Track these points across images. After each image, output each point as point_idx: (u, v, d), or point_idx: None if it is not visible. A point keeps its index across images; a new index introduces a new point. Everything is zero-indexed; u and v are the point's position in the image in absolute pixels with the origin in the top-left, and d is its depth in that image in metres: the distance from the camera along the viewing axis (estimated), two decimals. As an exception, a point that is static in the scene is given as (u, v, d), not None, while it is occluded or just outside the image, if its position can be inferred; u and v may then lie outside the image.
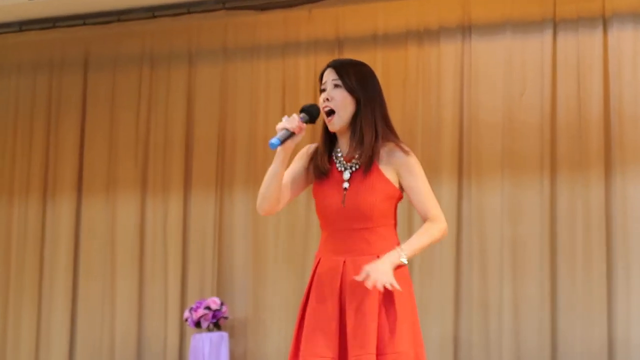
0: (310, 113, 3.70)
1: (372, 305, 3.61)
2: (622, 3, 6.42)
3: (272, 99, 7.28)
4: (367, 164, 3.68)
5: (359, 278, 3.52)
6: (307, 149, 3.86)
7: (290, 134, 3.62)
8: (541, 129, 6.54)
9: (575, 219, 6.43)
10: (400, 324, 3.62)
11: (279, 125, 3.62)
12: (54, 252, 7.81)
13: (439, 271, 6.68)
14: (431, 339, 6.59)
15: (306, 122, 3.68)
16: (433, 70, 6.85)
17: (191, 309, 7.08)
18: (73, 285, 7.75)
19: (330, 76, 3.75)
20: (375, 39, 7.04)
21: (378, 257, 3.64)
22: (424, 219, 3.74)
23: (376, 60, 6.90)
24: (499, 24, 6.72)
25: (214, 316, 7.01)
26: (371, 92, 3.75)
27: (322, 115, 3.73)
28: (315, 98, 7.25)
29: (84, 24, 7.75)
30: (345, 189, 3.70)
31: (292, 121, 3.62)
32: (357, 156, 3.71)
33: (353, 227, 3.68)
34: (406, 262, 3.64)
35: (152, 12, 7.54)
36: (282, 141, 3.60)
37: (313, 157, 3.80)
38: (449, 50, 6.84)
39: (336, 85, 3.72)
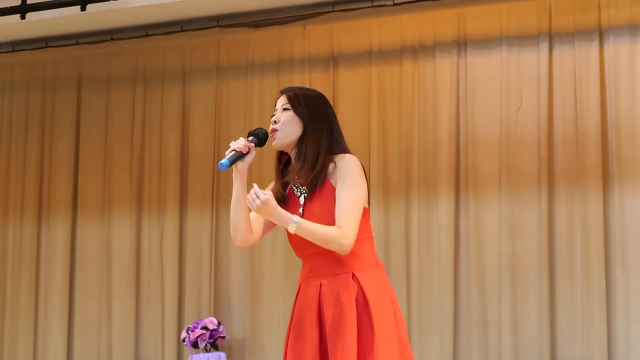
0: (257, 135, 3.79)
1: (351, 324, 3.62)
2: (618, 16, 6.40)
3: (266, 116, 7.13)
4: (316, 183, 3.73)
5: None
6: (270, 186, 3.91)
7: (239, 155, 3.70)
8: (538, 144, 6.51)
9: (574, 233, 6.40)
10: (380, 336, 3.61)
11: (228, 150, 3.70)
12: (49, 273, 7.78)
13: (438, 287, 6.65)
14: (430, 355, 6.57)
15: (255, 144, 3.77)
16: (429, 86, 6.83)
17: (188, 329, 7.04)
18: (69, 306, 7.72)
19: (280, 103, 3.86)
20: (370, 55, 7.01)
21: (353, 275, 3.67)
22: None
23: (371, 76, 6.88)
24: (495, 38, 6.70)
25: (211, 336, 6.97)
26: (319, 115, 3.82)
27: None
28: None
29: (77, 43, 7.77)
30: (301, 214, 3.74)
31: (238, 142, 3.71)
32: (305, 177, 3.75)
33: (320, 250, 3.69)
34: (293, 229, 3.61)
35: (145, 31, 7.56)
36: (232, 161, 3.69)
37: (273, 192, 3.84)
38: (444, 65, 6.82)
39: (285, 109, 3.82)
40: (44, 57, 7.92)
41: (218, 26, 7.39)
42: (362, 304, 3.64)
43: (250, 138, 3.77)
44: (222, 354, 7.03)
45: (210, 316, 7.17)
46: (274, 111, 3.86)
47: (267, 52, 7.34)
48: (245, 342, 7.19)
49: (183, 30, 7.48)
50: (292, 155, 3.83)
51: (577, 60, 6.48)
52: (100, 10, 6.96)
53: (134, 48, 7.69)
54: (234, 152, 3.70)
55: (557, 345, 6.37)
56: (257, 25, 7.34)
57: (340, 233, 3.61)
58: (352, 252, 3.67)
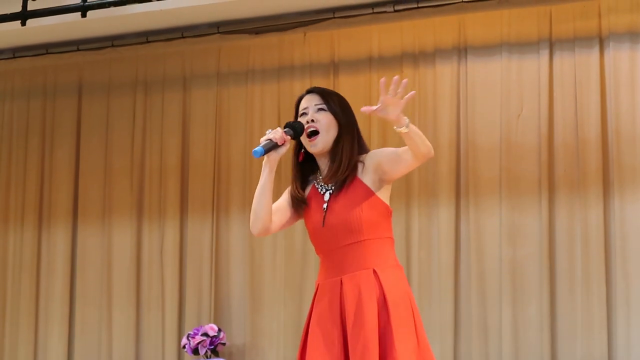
0: (294, 128, 3.78)
1: (372, 320, 3.62)
2: (619, 22, 6.40)
3: (267, 123, 7.23)
4: (344, 182, 3.75)
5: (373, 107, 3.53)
6: (289, 188, 3.94)
7: (274, 145, 3.69)
8: (539, 150, 6.50)
9: (574, 240, 6.39)
10: (398, 335, 3.62)
11: (263, 138, 3.69)
12: (50, 279, 7.77)
13: (438, 294, 6.64)
14: (431, 362, 6.55)
15: (290, 137, 3.75)
16: (429, 92, 6.82)
17: (189, 335, 7.02)
18: (70, 312, 7.71)
19: (312, 101, 3.85)
20: (371, 61, 7.01)
21: (374, 271, 3.67)
22: (406, 151, 3.72)
23: (372, 83, 6.88)
24: (495, 44, 6.70)
25: (211, 343, 6.96)
26: (351, 117, 3.87)
27: (299, 141, 3.85)
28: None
29: (77, 49, 7.76)
30: (325, 209, 3.75)
31: (275, 132, 3.70)
32: (336, 177, 3.78)
33: (342, 244, 3.71)
34: (406, 128, 3.59)
35: (145, 37, 7.56)
36: (266, 150, 3.67)
37: (290, 191, 3.89)
38: (444, 71, 6.81)
39: (320, 109, 3.82)
40: (44, 64, 7.92)
41: (218, 33, 7.39)
42: (382, 302, 3.65)
43: (287, 130, 3.75)
44: (223, 361, 7.03)
45: (210, 323, 7.17)
46: (303, 109, 3.85)
47: (267, 58, 7.33)
48: (246, 348, 7.18)
49: (183, 37, 7.48)
50: (322, 155, 3.84)
51: (577, 66, 6.47)
52: (101, 16, 6.95)
53: (135, 54, 7.68)
54: (269, 141, 3.68)
55: (557, 352, 6.35)
56: (257, 31, 7.34)
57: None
58: (374, 249, 3.71)
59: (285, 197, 3.91)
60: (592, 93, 6.41)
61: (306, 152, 3.90)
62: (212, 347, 6.96)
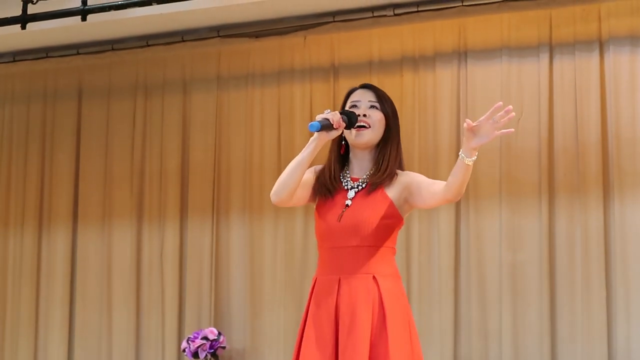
0: (350, 117, 3.77)
1: (365, 324, 3.62)
2: (619, 26, 6.39)
3: (267, 126, 7.26)
4: (375, 185, 3.74)
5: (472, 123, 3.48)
6: (314, 169, 3.92)
7: (329, 125, 3.67)
8: (539, 154, 6.49)
9: (574, 243, 6.38)
10: (394, 342, 3.61)
11: (320, 115, 3.68)
12: (50, 283, 7.77)
13: (438, 298, 6.64)
14: (431, 366, 6.56)
15: (344, 124, 3.75)
16: (429, 96, 6.82)
17: (188, 339, 7.02)
18: (70, 316, 7.71)
19: (366, 96, 3.86)
20: (371, 65, 7.01)
21: (374, 277, 3.67)
22: (440, 189, 3.68)
23: (372, 87, 6.86)
24: (495, 48, 6.69)
25: (211, 346, 6.95)
26: (397, 126, 3.92)
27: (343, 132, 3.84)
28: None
29: (77, 53, 7.77)
30: (347, 206, 3.75)
31: (334, 115, 3.69)
32: (365, 177, 3.80)
33: (349, 245, 3.71)
34: (471, 162, 3.54)
35: (145, 41, 7.56)
36: (322, 127, 3.64)
37: (319, 177, 3.87)
38: (444, 75, 6.81)
39: (372, 106, 3.84)
40: (44, 68, 7.92)
41: (219, 36, 7.39)
42: (379, 308, 3.65)
43: (343, 117, 3.74)
44: (223, 365, 7.02)
45: (210, 326, 7.16)
46: (354, 101, 3.86)
47: (267, 62, 7.33)
48: (246, 352, 7.18)
49: (183, 41, 7.48)
50: (362, 153, 3.85)
51: (577, 70, 6.46)
52: (101, 20, 6.95)
53: (135, 58, 7.68)
54: (327, 120, 3.67)
55: (557, 356, 6.35)
56: (257, 35, 7.33)
57: None
58: (378, 256, 3.72)
59: (308, 176, 3.89)
60: (592, 97, 6.40)
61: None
62: (212, 350, 6.95)
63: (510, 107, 3.47)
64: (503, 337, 6.43)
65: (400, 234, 6.61)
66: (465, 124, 3.47)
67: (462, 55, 6.79)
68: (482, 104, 6.64)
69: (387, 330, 3.62)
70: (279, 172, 7.14)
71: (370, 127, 3.81)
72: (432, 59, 6.87)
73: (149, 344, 7.45)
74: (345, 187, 3.82)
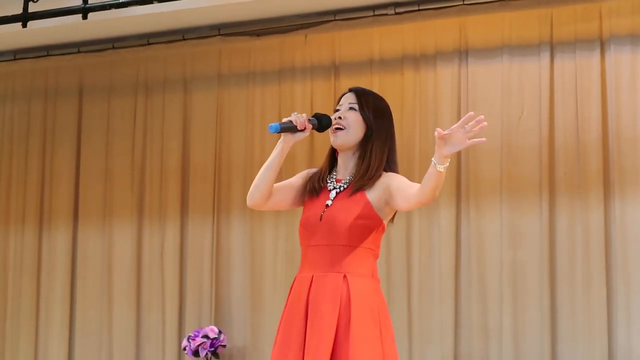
0: (320, 120, 3.79)
1: (330, 323, 3.64)
2: (620, 25, 6.39)
3: (268, 125, 7.21)
4: (357, 188, 3.76)
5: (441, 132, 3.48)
6: (307, 172, 3.97)
7: (292, 127, 3.71)
8: (539, 152, 6.49)
9: (575, 242, 6.37)
10: (357, 342, 3.61)
11: (285, 117, 3.73)
12: (50, 281, 7.78)
13: (438, 296, 6.63)
14: (431, 364, 6.57)
15: (313, 126, 3.77)
16: (430, 95, 6.81)
17: (189, 337, 7.02)
18: (70, 314, 7.71)
19: (348, 99, 3.88)
20: (372, 64, 7.01)
21: (345, 276, 3.69)
22: (413, 192, 3.67)
23: (372, 85, 6.86)
24: (496, 47, 6.69)
25: (212, 345, 6.95)
26: (384, 126, 3.88)
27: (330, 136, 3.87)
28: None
29: (79, 51, 7.77)
30: (327, 205, 3.77)
31: (299, 117, 3.73)
32: (348, 178, 3.82)
33: (327, 243, 3.73)
34: (444, 169, 3.53)
35: (146, 39, 7.56)
36: (282, 129, 3.68)
37: (310, 180, 3.90)
38: (445, 74, 6.80)
39: (351, 108, 3.84)
40: (45, 66, 7.92)
41: (219, 35, 7.39)
42: (346, 307, 3.66)
43: (312, 119, 3.77)
44: (223, 363, 7.02)
45: (211, 324, 7.15)
46: (338, 105, 3.89)
47: (268, 60, 7.33)
48: (246, 350, 7.18)
49: (184, 39, 7.48)
50: (346, 154, 3.86)
51: (578, 69, 6.46)
52: (102, 18, 6.96)
53: (136, 56, 7.68)
54: (289, 122, 3.70)
55: (557, 355, 6.34)
56: (258, 34, 7.34)
57: None
58: (355, 256, 3.73)
59: (294, 180, 3.95)
60: (593, 96, 6.39)
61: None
62: (213, 349, 6.95)
63: (482, 117, 3.46)
64: (504, 336, 6.43)
65: (400, 233, 6.71)
66: (436, 133, 3.47)
67: (463, 54, 6.79)
68: (483, 102, 6.66)
69: (350, 330, 3.62)
70: (280, 170, 7.20)
71: (345, 128, 3.82)
72: (433, 58, 6.86)
73: (149, 342, 7.45)
74: (329, 187, 3.84)
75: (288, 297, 3.85)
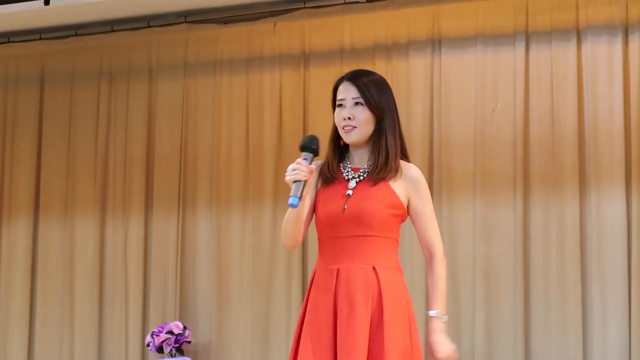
0: (312, 149, 3.69)
1: (364, 316, 3.61)
2: (597, 15, 6.36)
3: (235, 115, 7.22)
4: (380, 178, 3.73)
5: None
6: (316, 164, 3.86)
7: (304, 182, 3.61)
8: (514, 145, 6.45)
9: (550, 237, 6.34)
10: (390, 336, 3.60)
11: (289, 178, 3.61)
12: (10, 275, 7.69)
13: (410, 292, 6.52)
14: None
15: (312, 159, 3.69)
16: (402, 85, 6.75)
17: (153, 333, 6.94)
18: (30, 309, 7.63)
19: (350, 93, 3.78)
20: (342, 53, 6.94)
21: (374, 268, 3.66)
22: (426, 248, 3.79)
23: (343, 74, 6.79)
24: (470, 36, 6.63)
25: (176, 341, 6.89)
26: (391, 105, 3.82)
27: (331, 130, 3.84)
28: (280, 113, 7.16)
29: (40, 38, 7.67)
30: (349, 195, 3.71)
31: (300, 171, 3.61)
32: (366, 167, 3.78)
33: (352, 234, 3.69)
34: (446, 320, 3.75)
35: (110, 26, 7.47)
36: (301, 195, 3.60)
37: (321, 170, 3.84)
38: (418, 64, 6.75)
39: (357, 103, 3.76)
40: (6, 53, 7.82)
41: (186, 22, 7.31)
42: (377, 300, 3.64)
43: (306, 157, 3.66)
44: (188, 359, 6.94)
45: (175, 320, 7.09)
46: (339, 100, 3.80)
47: (236, 49, 7.25)
48: (211, 347, 7.12)
49: (150, 26, 7.39)
50: (358, 146, 3.81)
51: (554, 60, 6.42)
52: (65, 4, 6.89)
53: (99, 44, 7.58)
54: (298, 183, 3.60)
55: (531, 351, 6.32)
56: (226, 21, 7.26)
57: (445, 265, 3.86)
58: (380, 246, 3.70)
59: (312, 192, 3.84)
60: (569, 87, 6.35)
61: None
62: (177, 345, 6.90)
63: None
64: (476, 332, 6.39)
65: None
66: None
67: (436, 43, 6.74)
68: (457, 93, 6.62)
69: (384, 324, 3.60)
70: (247, 162, 7.11)
71: (357, 127, 3.76)
72: (405, 47, 6.81)
73: (112, 338, 7.38)
74: (346, 177, 3.78)
75: (309, 292, 3.78)
